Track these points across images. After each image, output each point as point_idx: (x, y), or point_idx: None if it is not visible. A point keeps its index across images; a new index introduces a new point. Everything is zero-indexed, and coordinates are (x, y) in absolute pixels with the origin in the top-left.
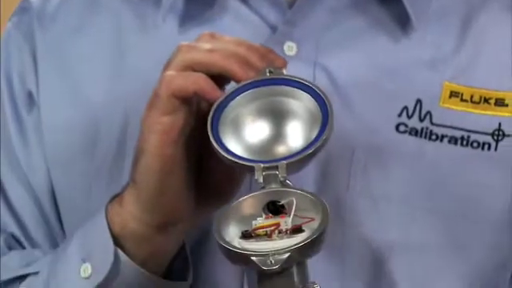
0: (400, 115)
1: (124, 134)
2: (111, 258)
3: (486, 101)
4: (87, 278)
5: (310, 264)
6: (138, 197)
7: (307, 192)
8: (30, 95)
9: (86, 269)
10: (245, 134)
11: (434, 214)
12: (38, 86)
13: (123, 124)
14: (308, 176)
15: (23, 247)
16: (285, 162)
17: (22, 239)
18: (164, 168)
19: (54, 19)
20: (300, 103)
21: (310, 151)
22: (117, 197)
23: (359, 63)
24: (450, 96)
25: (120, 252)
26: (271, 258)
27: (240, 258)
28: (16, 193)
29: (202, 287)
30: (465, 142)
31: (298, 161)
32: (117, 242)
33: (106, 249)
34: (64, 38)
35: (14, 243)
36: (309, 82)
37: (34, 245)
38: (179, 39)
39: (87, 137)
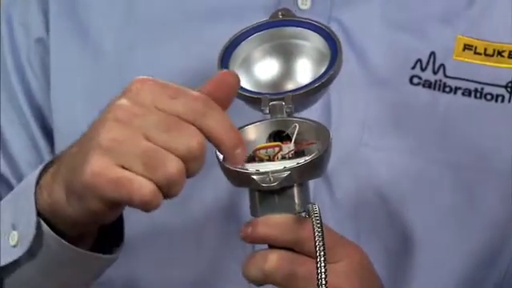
0: (414, 68)
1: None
2: (33, 230)
3: (500, 53)
4: (14, 246)
5: (325, 219)
6: (66, 191)
7: (311, 120)
8: (38, 41)
9: (14, 236)
10: (255, 72)
11: (446, 165)
12: (49, 31)
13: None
14: None
15: (11, 186)
16: (291, 94)
17: (11, 178)
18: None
19: None
20: (310, 44)
21: (317, 85)
22: (52, 163)
23: (373, 17)
24: (464, 49)
25: (43, 224)
26: (271, 176)
27: (241, 178)
28: (12, 132)
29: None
30: (478, 95)
31: (304, 94)
32: (45, 211)
33: (29, 219)
34: None
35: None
36: (319, 23)
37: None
38: None
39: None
